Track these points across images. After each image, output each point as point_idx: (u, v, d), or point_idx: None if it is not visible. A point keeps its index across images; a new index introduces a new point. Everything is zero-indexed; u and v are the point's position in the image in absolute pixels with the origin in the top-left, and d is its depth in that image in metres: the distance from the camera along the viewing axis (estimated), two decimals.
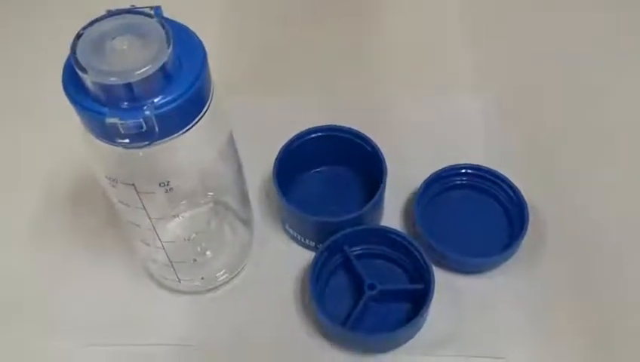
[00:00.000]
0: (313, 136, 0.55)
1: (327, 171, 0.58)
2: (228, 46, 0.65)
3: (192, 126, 0.36)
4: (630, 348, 0.49)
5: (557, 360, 0.48)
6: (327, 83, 0.67)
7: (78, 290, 0.52)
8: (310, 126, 0.55)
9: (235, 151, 0.45)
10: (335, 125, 0.55)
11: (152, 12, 0.35)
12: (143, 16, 0.34)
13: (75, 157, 0.57)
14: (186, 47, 0.35)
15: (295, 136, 0.55)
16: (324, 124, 0.56)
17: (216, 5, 0.69)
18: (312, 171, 0.58)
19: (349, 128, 0.55)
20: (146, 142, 0.34)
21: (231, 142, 0.44)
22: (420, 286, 0.49)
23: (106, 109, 0.33)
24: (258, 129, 0.57)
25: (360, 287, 0.50)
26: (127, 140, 0.34)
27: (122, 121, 0.33)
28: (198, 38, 0.37)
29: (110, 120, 0.32)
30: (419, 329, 0.48)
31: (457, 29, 0.72)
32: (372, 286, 0.49)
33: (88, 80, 0.32)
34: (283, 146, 0.54)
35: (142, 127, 0.33)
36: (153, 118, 0.33)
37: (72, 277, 0.53)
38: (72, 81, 0.34)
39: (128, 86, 0.32)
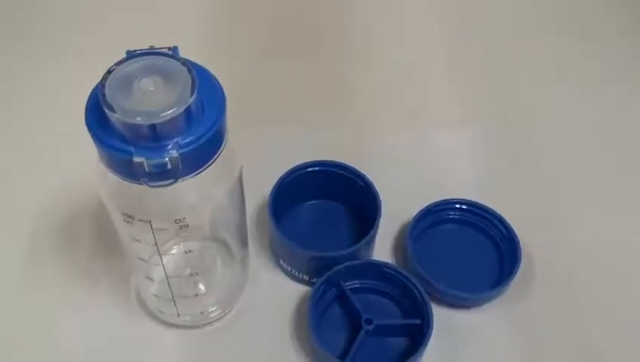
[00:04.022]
0: (309, 170, 0.56)
1: (318, 205, 0.58)
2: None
3: (212, 163, 0.37)
4: None
5: None
6: (316, 119, 0.67)
7: (69, 326, 0.51)
8: (300, 161, 0.56)
9: (242, 188, 0.45)
10: (329, 160, 0.56)
11: (171, 52, 0.35)
12: (166, 58, 0.35)
13: (57, 191, 0.58)
14: (205, 87, 0.36)
15: (289, 170, 0.55)
16: (318, 160, 0.56)
17: (209, 40, 0.71)
18: (305, 204, 0.58)
19: (343, 163, 0.56)
20: (171, 180, 0.35)
21: (240, 178, 0.44)
22: (416, 322, 0.49)
23: (131, 148, 0.33)
24: (250, 163, 0.57)
25: (355, 322, 0.50)
26: (148, 178, 0.34)
27: (148, 160, 0.33)
28: (216, 79, 0.37)
29: (137, 159, 0.33)
30: None
31: (444, 65, 0.74)
32: (369, 321, 0.49)
33: (115, 119, 0.33)
34: (278, 180, 0.54)
35: (167, 166, 0.33)
36: (178, 157, 0.33)
37: (63, 313, 0.52)
38: (96, 119, 0.34)
39: (154, 126, 0.32)
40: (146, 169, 0.33)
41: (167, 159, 0.33)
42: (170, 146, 0.33)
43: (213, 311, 0.51)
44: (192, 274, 0.47)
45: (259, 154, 0.60)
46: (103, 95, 0.33)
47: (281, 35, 0.76)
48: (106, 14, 0.77)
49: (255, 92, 0.68)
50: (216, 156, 0.37)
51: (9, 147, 0.64)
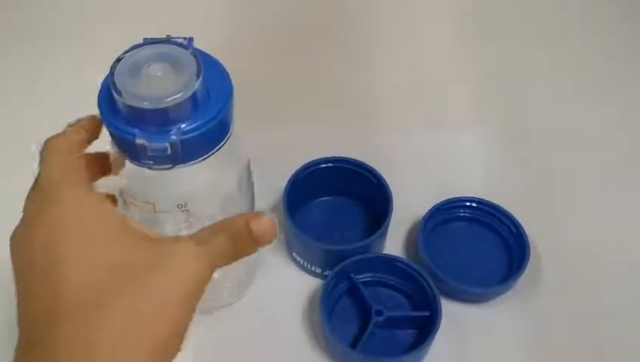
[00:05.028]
0: (322, 166, 0.57)
1: (331, 201, 0.60)
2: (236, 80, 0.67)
3: (214, 153, 0.38)
4: None
5: None
6: (330, 117, 0.69)
7: None
8: (314, 158, 0.57)
9: (251, 180, 0.46)
10: (341, 157, 0.58)
11: (185, 43, 0.36)
12: (177, 47, 0.36)
13: None
14: (214, 78, 0.37)
15: (303, 166, 0.57)
16: (331, 156, 0.58)
17: (220, 38, 0.72)
18: (317, 200, 0.59)
19: (355, 160, 0.57)
20: (169, 165, 0.36)
21: (247, 171, 0.45)
22: (425, 314, 0.50)
23: (136, 130, 0.34)
24: (265, 160, 0.59)
25: (366, 313, 0.51)
26: (151, 162, 0.35)
27: (149, 143, 0.34)
28: (226, 71, 0.38)
29: (139, 141, 0.34)
30: (426, 354, 0.50)
31: (456, 65, 0.75)
32: (379, 312, 0.50)
33: (121, 102, 0.34)
34: (292, 175, 0.56)
35: (167, 150, 0.34)
36: (178, 143, 0.34)
37: None
38: (107, 101, 0.35)
39: (158, 111, 0.34)
40: (148, 152, 0.34)
41: (167, 144, 0.34)
42: (173, 132, 0.34)
43: (224, 298, 0.52)
44: None
45: (273, 150, 0.61)
46: (112, 79, 0.34)
47: (294, 34, 0.78)
48: (120, 9, 0.79)
49: (270, 90, 0.70)
50: (219, 146, 0.38)
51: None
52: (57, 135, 0.35)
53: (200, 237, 0.33)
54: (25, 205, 0.33)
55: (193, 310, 0.31)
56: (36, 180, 0.34)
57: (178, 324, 0.30)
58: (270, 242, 0.34)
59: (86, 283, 0.29)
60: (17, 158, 0.62)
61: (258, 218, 0.33)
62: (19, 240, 0.32)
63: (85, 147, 0.36)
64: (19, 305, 0.31)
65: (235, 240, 0.33)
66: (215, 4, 0.79)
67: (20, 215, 0.33)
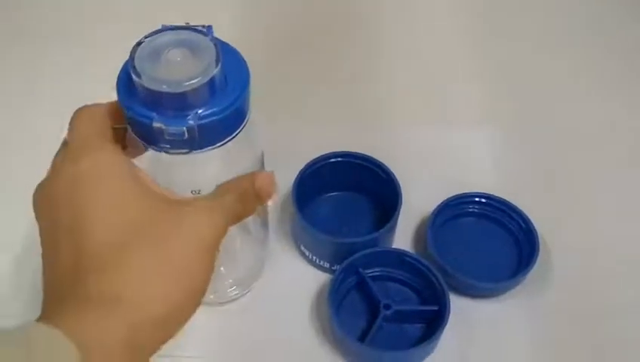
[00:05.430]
0: (331, 160, 0.57)
1: (340, 196, 0.60)
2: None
3: (230, 139, 0.38)
4: None
5: None
6: (339, 113, 0.69)
7: None
8: (323, 153, 0.58)
9: (263, 170, 0.47)
10: (350, 151, 0.58)
11: (205, 30, 0.37)
12: (197, 33, 0.36)
13: None
14: (232, 66, 0.37)
15: (312, 160, 0.57)
16: (340, 150, 0.58)
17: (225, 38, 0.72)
18: (326, 195, 0.59)
19: (364, 154, 0.57)
20: (186, 150, 0.36)
21: (261, 160, 0.45)
22: (434, 308, 0.50)
23: (154, 114, 0.34)
24: (274, 154, 0.59)
25: (374, 307, 0.51)
26: (168, 146, 0.36)
27: (166, 127, 0.34)
28: (244, 59, 0.39)
29: (156, 124, 0.34)
30: (434, 348, 0.50)
31: (466, 62, 0.75)
32: (388, 306, 0.50)
33: (140, 85, 0.34)
34: (301, 170, 0.56)
35: (184, 135, 0.35)
36: (195, 128, 0.35)
37: None
38: (125, 86, 0.36)
39: (177, 95, 0.34)
40: (165, 136, 0.35)
41: (184, 128, 0.34)
42: (190, 116, 0.34)
43: (232, 291, 0.52)
44: None
45: (283, 145, 0.61)
46: (132, 62, 0.34)
47: (306, 31, 0.78)
48: (120, 9, 0.79)
49: (280, 86, 0.70)
50: (235, 133, 0.38)
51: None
52: (85, 105, 0.36)
53: (213, 195, 0.35)
54: (52, 163, 0.35)
55: (209, 268, 0.33)
56: (63, 142, 0.35)
57: (193, 284, 0.32)
58: (270, 196, 0.36)
59: (108, 242, 0.31)
60: (17, 158, 0.63)
61: (260, 175, 0.35)
62: (42, 196, 0.33)
63: (110, 119, 0.37)
64: (44, 259, 0.32)
65: (242, 199, 0.35)
66: (217, 4, 0.79)
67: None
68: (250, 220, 0.53)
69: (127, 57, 0.35)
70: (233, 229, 0.52)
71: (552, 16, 0.81)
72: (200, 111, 0.35)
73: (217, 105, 0.35)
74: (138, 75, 0.34)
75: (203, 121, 0.35)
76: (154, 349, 0.31)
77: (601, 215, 0.60)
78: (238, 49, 0.39)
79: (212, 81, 0.35)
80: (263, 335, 0.52)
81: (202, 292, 0.32)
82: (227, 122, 0.37)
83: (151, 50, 0.35)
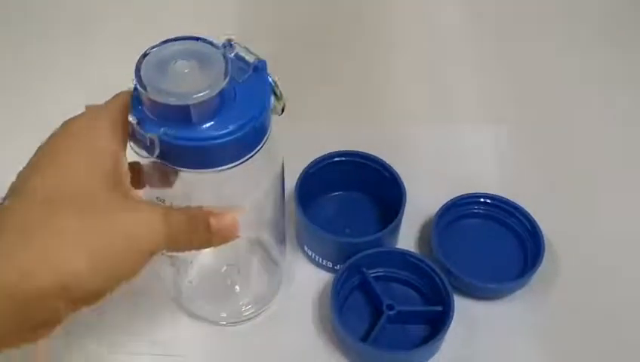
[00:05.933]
0: (335, 160, 0.57)
1: (344, 195, 0.59)
2: None
3: (245, 160, 0.37)
4: None
5: None
6: (343, 112, 0.69)
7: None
8: (327, 152, 0.57)
9: (283, 189, 0.46)
10: (354, 151, 0.57)
11: (213, 41, 0.36)
12: (203, 43, 0.35)
13: None
14: (254, 82, 0.37)
15: (316, 159, 0.57)
16: (344, 150, 0.57)
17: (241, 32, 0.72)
18: (330, 194, 0.59)
19: (368, 154, 0.57)
20: (203, 168, 0.36)
21: (281, 177, 0.45)
22: (438, 309, 0.50)
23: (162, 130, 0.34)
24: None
25: (377, 308, 0.51)
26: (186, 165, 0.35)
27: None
28: (269, 77, 0.38)
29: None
30: (437, 348, 0.49)
31: (471, 62, 0.75)
32: (391, 307, 0.50)
33: (145, 97, 0.33)
34: (305, 169, 0.56)
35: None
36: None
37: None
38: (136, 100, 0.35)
39: (184, 107, 0.33)
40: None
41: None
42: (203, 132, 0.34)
43: (245, 311, 0.52)
44: (227, 270, 0.48)
45: (286, 144, 0.61)
46: (138, 74, 0.33)
47: (309, 31, 0.77)
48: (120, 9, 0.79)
49: (284, 85, 0.70)
50: (251, 154, 0.37)
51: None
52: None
53: (168, 206, 0.36)
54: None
55: (134, 267, 0.33)
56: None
57: (109, 269, 0.32)
58: (228, 240, 0.36)
59: (54, 187, 0.33)
60: (18, 158, 0.62)
61: (221, 215, 0.35)
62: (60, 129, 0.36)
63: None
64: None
65: (189, 223, 0.35)
66: (217, 4, 0.79)
67: None
68: (266, 236, 0.52)
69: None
70: (249, 246, 0.52)
71: (559, 15, 0.81)
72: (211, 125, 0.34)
73: (229, 123, 0.34)
74: (144, 87, 0.33)
75: (220, 141, 0.34)
76: (42, 318, 0.31)
77: (608, 216, 0.59)
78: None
79: (221, 94, 0.34)
80: (266, 335, 0.51)
81: (115, 280, 0.32)
82: (245, 140, 0.36)
83: (157, 62, 0.34)
